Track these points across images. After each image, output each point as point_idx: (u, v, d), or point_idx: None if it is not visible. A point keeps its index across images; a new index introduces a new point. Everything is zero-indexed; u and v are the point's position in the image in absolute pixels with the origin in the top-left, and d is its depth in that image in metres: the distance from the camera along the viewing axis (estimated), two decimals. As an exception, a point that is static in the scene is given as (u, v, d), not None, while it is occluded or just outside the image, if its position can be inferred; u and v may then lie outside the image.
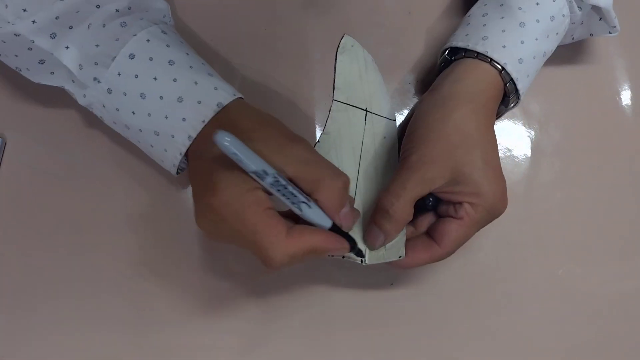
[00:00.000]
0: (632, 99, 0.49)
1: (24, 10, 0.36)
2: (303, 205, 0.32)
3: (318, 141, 0.39)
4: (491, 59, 0.40)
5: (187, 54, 0.38)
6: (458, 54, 0.42)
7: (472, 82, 0.40)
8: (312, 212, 0.33)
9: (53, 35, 0.37)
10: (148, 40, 0.38)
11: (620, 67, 0.50)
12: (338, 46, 0.41)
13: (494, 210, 0.38)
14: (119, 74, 0.37)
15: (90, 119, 0.45)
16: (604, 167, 0.48)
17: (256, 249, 0.32)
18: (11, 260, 0.43)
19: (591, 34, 0.46)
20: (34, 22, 0.36)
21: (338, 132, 0.39)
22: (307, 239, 0.33)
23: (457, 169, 0.37)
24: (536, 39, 0.41)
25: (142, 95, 0.37)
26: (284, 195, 0.32)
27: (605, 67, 0.50)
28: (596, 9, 0.43)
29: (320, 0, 0.49)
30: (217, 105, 0.36)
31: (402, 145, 0.40)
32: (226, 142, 0.29)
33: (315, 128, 0.46)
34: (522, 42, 0.41)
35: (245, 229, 0.32)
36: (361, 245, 0.38)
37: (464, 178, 0.37)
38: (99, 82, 0.38)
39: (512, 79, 0.40)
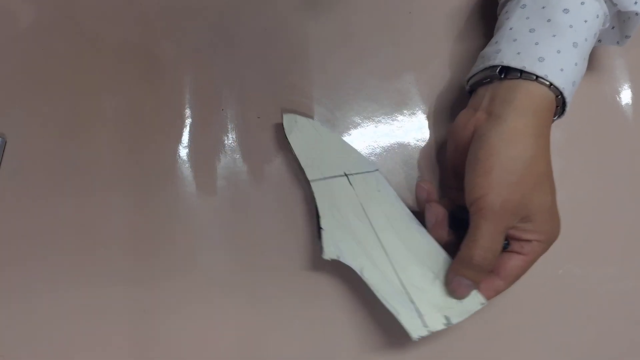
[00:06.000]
0: (632, 99, 0.49)
1: None
2: None
3: (321, 227, 0.38)
4: (551, 84, 0.38)
5: None
6: (510, 72, 0.40)
7: (538, 112, 0.38)
8: None
9: None
10: None
11: (620, 67, 0.50)
12: (283, 128, 0.40)
13: (552, 243, 0.39)
14: None
15: (90, 118, 0.45)
16: (604, 167, 0.48)
17: None
18: (11, 260, 0.43)
19: (599, 40, 0.45)
20: None
21: (334, 209, 0.38)
22: None
23: (531, 209, 0.37)
24: (584, 59, 0.41)
25: None
26: None
27: (605, 67, 0.50)
28: (618, 16, 0.42)
29: (321, 1, 0.49)
30: None
31: (471, 179, 0.38)
32: None
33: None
34: (575, 64, 0.39)
35: None
36: (439, 311, 0.37)
37: (536, 217, 0.37)
38: None
39: (564, 103, 0.40)
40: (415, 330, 0.36)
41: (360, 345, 0.43)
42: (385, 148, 0.47)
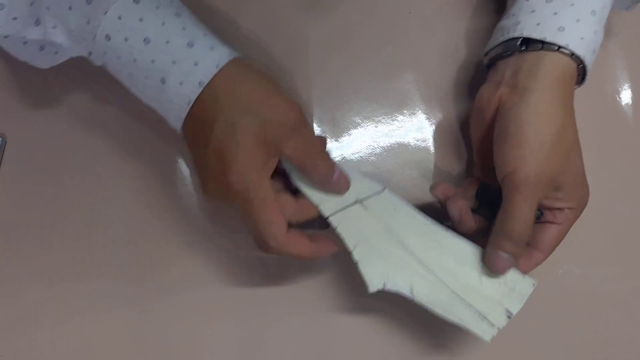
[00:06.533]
0: (632, 99, 0.49)
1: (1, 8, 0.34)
2: None
3: (356, 262, 0.37)
4: (572, 53, 0.38)
5: (164, 24, 0.36)
6: (531, 44, 0.39)
7: (562, 82, 0.39)
8: None
9: (37, 22, 0.36)
10: (119, 18, 0.36)
11: (620, 67, 0.50)
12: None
13: (583, 209, 0.40)
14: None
15: (90, 119, 0.44)
16: (604, 167, 0.48)
17: (258, 235, 0.36)
18: (11, 260, 0.43)
19: None
20: (14, 18, 0.35)
21: (360, 239, 0.38)
22: (301, 247, 0.37)
23: (563, 179, 0.37)
24: (602, 27, 0.40)
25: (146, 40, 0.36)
26: None
27: (605, 67, 0.50)
28: None
29: (321, 1, 0.49)
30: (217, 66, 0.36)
31: (501, 154, 0.38)
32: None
33: (313, 129, 0.46)
34: (595, 32, 0.39)
35: (251, 216, 0.35)
36: (498, 306, 0.37)
37: (567, 186, 0.38)
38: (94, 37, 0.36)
39: (585, 71, 0.40)
40: (485, 332, 0.37)
41: (360, 345, 0.43)
42: (385, 148, 0.47)
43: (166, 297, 0.43)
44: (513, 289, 0.38)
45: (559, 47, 0.38)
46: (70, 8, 0.36)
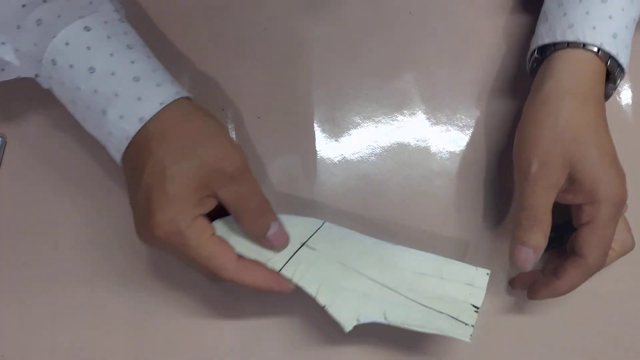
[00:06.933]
0: (632, 99, 0.49)
1: None
2: None
3: (324, 306, 0.36)
4: (584, 44, 0.39)
5: (112, 55, 0.36)
6: (548, 50, 0.41)
7: (571, 73, 0.39)
8: None
9: None
10: (67, 44, 0.35)
11: (620, 67, 0.50)
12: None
13: (619, 202, 0.37)
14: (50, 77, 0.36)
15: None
16: (604, 167, 0.48)
17: (207, 272, 0.35)
18: (11, 260, 0.43)
19: None
20: None
21: (319, 281, 0.37)
22: (256, 276, 0.36)
23: (573, 165, 0.37)
24: (622, 9, 0.40)
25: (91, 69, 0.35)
26: None
27: (606, 67, 0.50)
28: None
29: (321, 1, 0.49)
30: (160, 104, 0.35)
31: (515, 149, 0.40)
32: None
33: (313, 129, 0.46)
34: (610, 17, 0.40)
35: (189, 256, 0.34)
36: (464, 304, 0.37)
37: (579, 174, 0.37)
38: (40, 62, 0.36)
39: (611, 56, 0.39)
40: (464, 334, 0.37)
41: (360, 345, 0.43)
42: (385, 148, 0.47)
43: (166, 297, 0.43)
44: (472, 284, 0.38)
45: (568, 42, 0.39)
46: (18, 27, 0.35)
